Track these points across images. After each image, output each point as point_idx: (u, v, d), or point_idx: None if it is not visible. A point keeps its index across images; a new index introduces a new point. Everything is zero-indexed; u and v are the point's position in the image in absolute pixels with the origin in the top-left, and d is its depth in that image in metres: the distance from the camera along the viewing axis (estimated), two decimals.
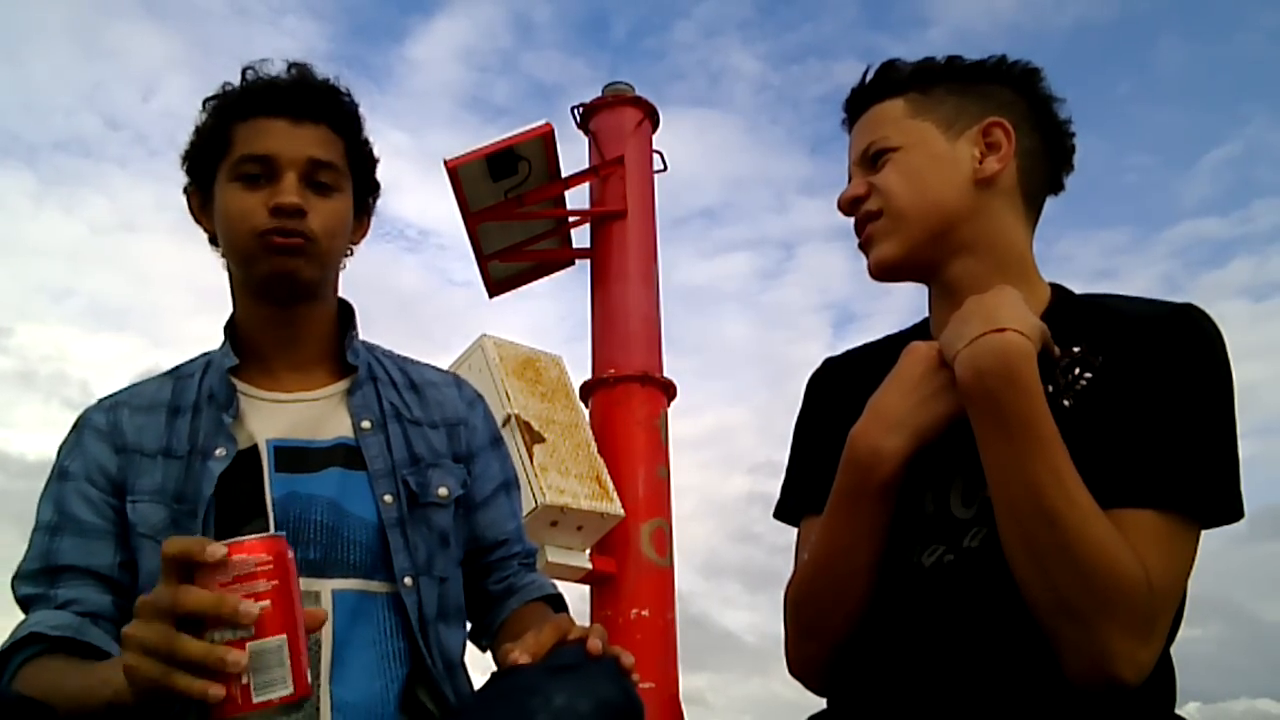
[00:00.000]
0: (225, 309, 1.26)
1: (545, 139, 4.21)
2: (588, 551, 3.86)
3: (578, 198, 4.61)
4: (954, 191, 1.08)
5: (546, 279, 4.90)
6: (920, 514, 1.03)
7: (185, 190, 1.22)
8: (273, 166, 1.12)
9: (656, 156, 4.66)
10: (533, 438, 3.79)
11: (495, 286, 4.76)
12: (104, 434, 1.14)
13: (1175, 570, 0.91)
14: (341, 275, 1.26)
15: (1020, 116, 1.10)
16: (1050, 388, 0.95)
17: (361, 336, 1.28)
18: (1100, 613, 0.86)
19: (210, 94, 1.20)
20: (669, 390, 4.22)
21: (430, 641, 1.13)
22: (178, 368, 1.24)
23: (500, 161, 4.18)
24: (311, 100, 1.16)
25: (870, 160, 1.13)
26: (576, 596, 3.99)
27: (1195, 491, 0.92)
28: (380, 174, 1.29)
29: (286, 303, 1.18)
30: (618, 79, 4.72)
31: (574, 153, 4.63)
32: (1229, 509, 0.94)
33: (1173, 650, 0.95)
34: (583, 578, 3.86)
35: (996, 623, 0.95)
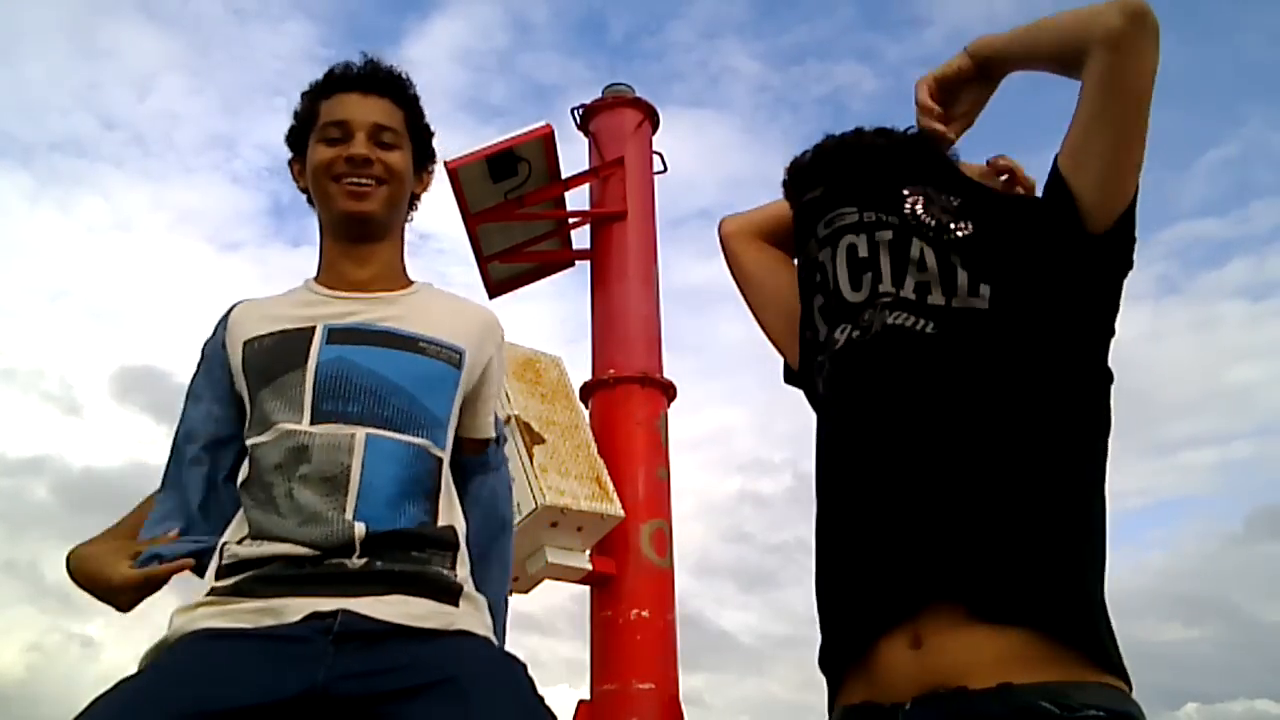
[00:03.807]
0: (220, 309, 1.53)
1: (545, 140, 4.21)
2: (587, 552, 3.85)
3: (578, 199, 4.61)
4: None
5: (546, 280, 4.90)
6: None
7: (289, 162, 1.55)
8: (347, 129, 1.45)
9: (656, 158, 4.67)
10: (533, 439, 3.79)
11: (495, 288, 4.76)
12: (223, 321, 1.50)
13: None
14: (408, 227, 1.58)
15: None
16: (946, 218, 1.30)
17: None
18: None
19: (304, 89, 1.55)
20: (669, 391, 4.21)
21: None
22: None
23: (500, 163, 4.17)
24: (377, 79, 1.50)
25: None
26: (577, 597, 3.99)
27: None
28: None
29: (359, 239, 1.48)
30: (616, 80, 4.72)
31: (574, 154, 4.64)
32: None
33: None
34: (583, 578, 3.86)
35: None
